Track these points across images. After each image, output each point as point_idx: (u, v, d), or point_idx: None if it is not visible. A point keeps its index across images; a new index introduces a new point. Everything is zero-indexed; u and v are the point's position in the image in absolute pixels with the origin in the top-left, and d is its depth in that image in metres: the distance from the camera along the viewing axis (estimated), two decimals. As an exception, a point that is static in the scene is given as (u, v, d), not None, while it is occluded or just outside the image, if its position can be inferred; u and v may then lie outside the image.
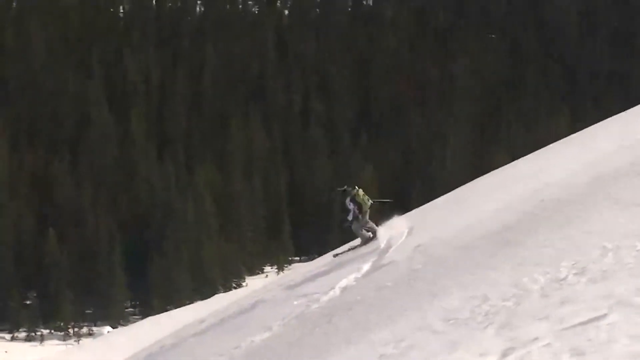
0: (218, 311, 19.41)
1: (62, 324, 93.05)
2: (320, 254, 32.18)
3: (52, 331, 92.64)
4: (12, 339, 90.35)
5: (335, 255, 16.47)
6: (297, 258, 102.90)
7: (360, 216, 15.37)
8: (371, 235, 15.58)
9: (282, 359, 8.32)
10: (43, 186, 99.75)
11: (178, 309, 45.04)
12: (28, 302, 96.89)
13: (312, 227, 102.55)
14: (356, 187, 15.59)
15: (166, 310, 58.02)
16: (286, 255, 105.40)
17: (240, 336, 10.91)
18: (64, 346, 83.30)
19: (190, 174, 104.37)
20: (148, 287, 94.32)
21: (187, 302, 46.63)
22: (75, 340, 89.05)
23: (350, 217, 15.27)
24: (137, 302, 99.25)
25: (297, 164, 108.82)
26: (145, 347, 18.14)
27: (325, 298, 11.23)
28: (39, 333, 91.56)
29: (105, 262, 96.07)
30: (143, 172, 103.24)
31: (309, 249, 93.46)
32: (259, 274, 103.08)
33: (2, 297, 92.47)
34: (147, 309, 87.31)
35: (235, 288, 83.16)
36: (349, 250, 16.12)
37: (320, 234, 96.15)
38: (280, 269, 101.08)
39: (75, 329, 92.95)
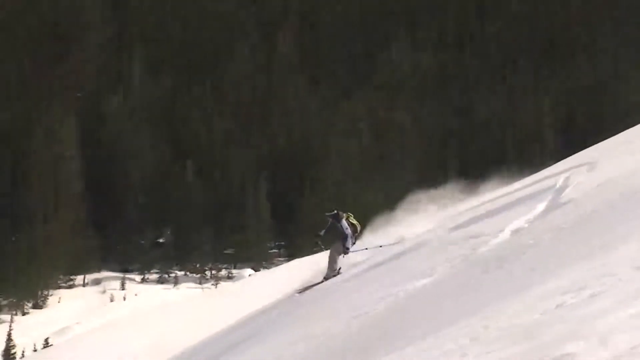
0: (375, 254, 19.99)
1: (198, 266, 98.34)
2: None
3: (188, 273, 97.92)
4: (143, 280, 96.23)
5: (301, 292, 17.83)
6: (461, 196, 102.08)
7: (352, 239, 16.93)
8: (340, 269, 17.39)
9: (447, 305, 8.59)
10: (180, 115, 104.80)
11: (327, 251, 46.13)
12: (161, 241, 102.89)
13: (481, 162, 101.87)
14: (348, 213, 17.01)
15: (314, 253, 59.68)
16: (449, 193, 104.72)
17: (401, 279, 11.29)
18: (200, 290, 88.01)
19: (344, 104, 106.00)
20: (295, 227, 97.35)
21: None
22: (212, 284, 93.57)
23: (349, 243, 17.23)
24: (283, 243, 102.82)
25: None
26: (289, 292, 18.86)
27: (494, 241, 11.37)
28: (172, 275, 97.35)
29: (248, 199, 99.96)
30: (290, 104, 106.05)
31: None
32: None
33: (133, 234, 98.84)
34: (294, 251, 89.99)
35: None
36: (313, 286, 17.59)
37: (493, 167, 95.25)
38: (443, 208, 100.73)
39: (213, 272, 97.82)
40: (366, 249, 19.27)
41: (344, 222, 17.43)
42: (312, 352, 9.14)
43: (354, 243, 17.12)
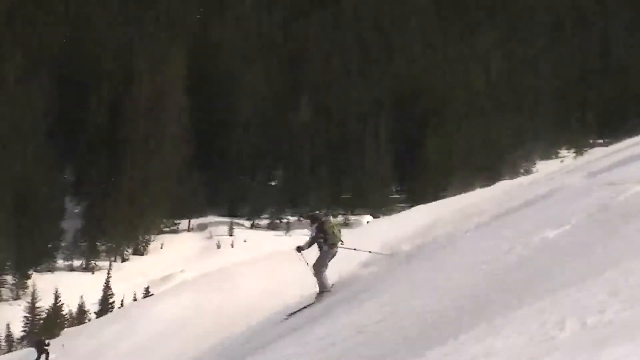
0: (501, 200, 19.60)
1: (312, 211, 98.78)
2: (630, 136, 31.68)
3: (301, 219, 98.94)
4: (253, 226, 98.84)
5: (288, 317, 17.05)
6: (600, 140, 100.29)
7: (325, 246, 16.56)
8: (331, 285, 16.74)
9: (582, 257, 8.32)
10: (296, 48, 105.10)
11: (451, 198, 45.73)
12: (273, 184, 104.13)
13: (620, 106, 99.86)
14: (330, 217, 16.94)
15: (439, 198, 59.33)
16: (586, 137, 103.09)
17: (533, 229, 11.02)
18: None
19: (470, 39, 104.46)
20: (418, 170, 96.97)
21: (461, 191, 47.14)
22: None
23: (306, 245, 16.68)
24: (404, 188, 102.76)
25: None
26: (410, 236, 18.90)
27: (636, 189, 11.03)
28: (284, 221, 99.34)
29: (367, 140, 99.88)
30: (414, 38, 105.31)
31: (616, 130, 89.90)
32: (553, 158, 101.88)
33: (243, 175, 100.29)
34: (416, 196, 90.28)
35: (523, 174, 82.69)
36: (304, 308, 16.82)
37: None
38: (579, 152, 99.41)
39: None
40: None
41: (314, 226, 16.76)
42: (433, 304, 9.04)
43: (322, 249, 16.38)
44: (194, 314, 34.38)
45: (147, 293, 69.86)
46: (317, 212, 18.65)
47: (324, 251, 16.81)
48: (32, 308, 69.96)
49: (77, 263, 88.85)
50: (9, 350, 62.95)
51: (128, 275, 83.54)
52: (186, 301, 38.58)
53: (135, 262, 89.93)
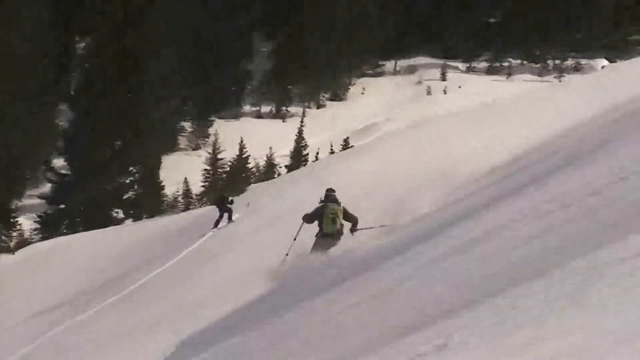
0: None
1: (538, 53, 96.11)
2: None
3: (524, 62, 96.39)
4: (469, 70, 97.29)
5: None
6: None
7: (318, 233, 18.59)
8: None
9: None
10: None
11: None
12: (491, 21, 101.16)
13: None
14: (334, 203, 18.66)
15: None
16: None
17: None
18: (540, 83, 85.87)
19: None
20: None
21: None
22: (555, 76, 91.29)
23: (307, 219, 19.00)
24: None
25: None
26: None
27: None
28: (505, 64, 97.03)
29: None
30: None
31: None
32: None
33: (459, 11, 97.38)
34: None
35: None
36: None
37: None
38: None
39: (557, 61, 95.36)
40: None
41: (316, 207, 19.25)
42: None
43: None
44: (395, 170, 33.27)
45: (345, 145, 68.92)
46: (333, 190, 19.22)
47: (317, 239, 18.57)
48: (214, 160, 70.20)
49: (265, 109, 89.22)
50: (187, 208, 63.96)
51: (324, 123, 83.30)
52: (388, 156, 37.63)
53: (332, 108, 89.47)
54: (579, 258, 6.05)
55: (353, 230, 18.75)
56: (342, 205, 18.95)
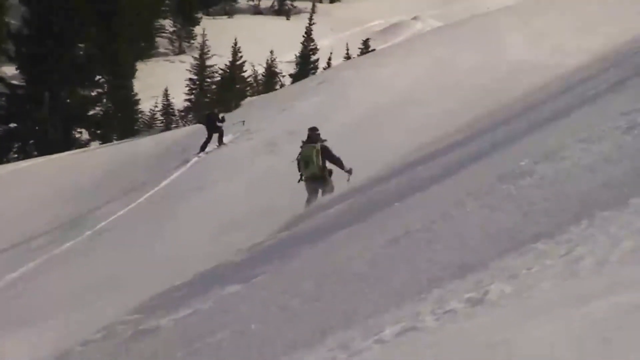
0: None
1: None
2: None
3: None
4: None
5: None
6: None
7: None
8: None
9: None
10: None
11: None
12: None
13: None
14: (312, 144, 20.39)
15: None
16: None
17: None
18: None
19: None
20: None
21: None
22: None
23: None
24: None
25: None
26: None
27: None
28: None
29: None
30: None
31: None
32: None
33: None
34: None
35: None
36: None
37: None
38: None
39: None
40: None
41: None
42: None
43: None
44: (433, 81, 32.95)
45: (365, 48, 68.42)
46: (314, 129, 20.84)
47: (305, 184, 20.33)
48: (201, 67, 69.72)
49: (265, 3, 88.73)
50: (168, 127, 63.59)
51: (339, 22, 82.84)
52: (421, 63, 37.31)
53: (349, 3, 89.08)
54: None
55: (347, 173, 20.05)
56: (318, 145, 20.29)
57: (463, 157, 13.13)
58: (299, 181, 20.48)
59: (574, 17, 37.15)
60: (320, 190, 20.11)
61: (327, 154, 20.27)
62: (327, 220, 13.78)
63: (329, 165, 20.18)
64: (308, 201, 20.12)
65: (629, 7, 34.85)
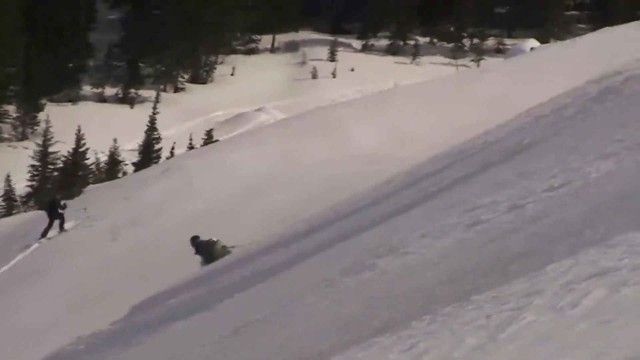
0: None
1: (453, 29, 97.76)
2: None
3: (435, 41, 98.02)
4: (365, 48, 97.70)
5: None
6: None
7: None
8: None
9: None
10: None
11: None
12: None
13: None
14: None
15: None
16: None
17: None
18: (454, 68, 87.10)
19: None
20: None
21: None
22: (472, 60, 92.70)
23: None
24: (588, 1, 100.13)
25: None
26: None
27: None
28: (411, 42, 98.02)
29: None
30: None
31: None
32: None
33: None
34: (606, 15, 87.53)
35: None
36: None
37: None
38: None
39: (475, 40, 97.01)
40: None
41: None
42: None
43: None
44: (279, 172, 33.15)
45: (208, 139, 68.50)
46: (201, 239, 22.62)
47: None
48: (44, 153, 69.18)
49: (110, 92, 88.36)
50: (9, 213, 62.61)
51: (183, 111, 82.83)
52: (252, 154, 37.59)
53: (193, 93, 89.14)
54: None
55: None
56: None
57: (308, 249, 13.16)
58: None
59: (428, 110, 37.92)
60: None
61: None
62: (169, 310, 13.65)
63: None
64: None
65: (485, 99, 35.76)
